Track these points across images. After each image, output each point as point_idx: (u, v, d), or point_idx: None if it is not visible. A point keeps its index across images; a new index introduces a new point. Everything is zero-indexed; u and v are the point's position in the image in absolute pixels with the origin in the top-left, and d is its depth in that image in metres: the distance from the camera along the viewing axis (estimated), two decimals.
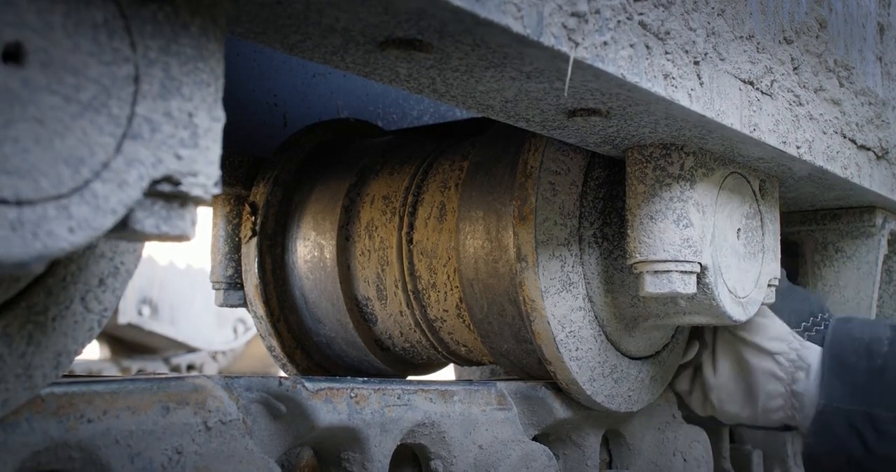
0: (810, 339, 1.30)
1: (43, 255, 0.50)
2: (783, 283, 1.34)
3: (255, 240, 1.45)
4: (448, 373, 1.94)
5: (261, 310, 1.46)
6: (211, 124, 0.58)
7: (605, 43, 0.78)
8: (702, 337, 1.38)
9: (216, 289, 1.53)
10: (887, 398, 1.20)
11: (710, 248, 1.08)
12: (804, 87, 1.13)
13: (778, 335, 1.30)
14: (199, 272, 4.43)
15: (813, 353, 1.28)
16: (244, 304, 1.51)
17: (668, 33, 0.86)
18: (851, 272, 1.53)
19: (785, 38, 1.08)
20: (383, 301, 1.36)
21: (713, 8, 0.94)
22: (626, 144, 1.05)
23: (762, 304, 1.23)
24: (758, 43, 1.02)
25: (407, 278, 1.32)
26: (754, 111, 1.01)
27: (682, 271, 1.05)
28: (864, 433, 1.20)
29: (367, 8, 0.64)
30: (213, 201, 1.53)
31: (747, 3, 1.00)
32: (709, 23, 0.93)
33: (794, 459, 1.74)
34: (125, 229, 0.55)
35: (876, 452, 1.20)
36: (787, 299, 1.32)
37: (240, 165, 1.52)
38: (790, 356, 1.29)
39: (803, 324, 1.31)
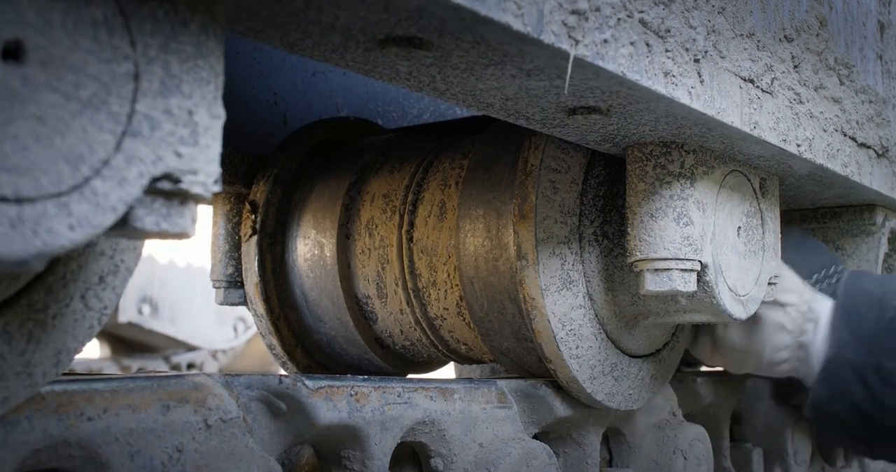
0: (822, 291, 1.31)
1: (43, 252, 0.50)
2: (797, 236, 1.35)
3: (255, 238, 1.45)
4: (448, 371, 1.94)
5: (261, 308, 1.46)
6: (211, 122, 0.58)
7: (606, 41, 0.77)
8: None
9: (216, 287, 1.53)
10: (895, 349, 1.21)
11: (711, 246, 1.08)
12: (804, 85, 1.13)
13: (791, 287, 1.31)
14: (200, 271, 4.43)
15: (823, 305, 1.29)
16: (244, 302, 1.51)
17: (669, 31, 0.86)
18: None
19: (785, 36, 1.08)
20: (383, 299, 1.36)
21: (713, 6, 0.94)
22: (627, 142, 1.05)
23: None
24: (758, 41, 1.02)
25: (407, 277, 1.32)
26: (754, 109, 1.01)
27: (682, 269, 1.05)
28: (871, 383, 1.22)
29: (367, 6, 0.64)
30: (213, 200, 1.53)
31: (748, 1, 1.00)
32: (709, 21, 0.93)
33: (794, 457, 1.74)
34: (125, 227, 0.55)
35: (882, 401, 1.21)
36: (800, 250, 1.34)
37: (240, 164, 1.52)
38: (801, 308, 1.30)
39: (815, 276, 1.32)
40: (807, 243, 1.37)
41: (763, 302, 1.29)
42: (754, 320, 1.32)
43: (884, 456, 1.37)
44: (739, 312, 1.15)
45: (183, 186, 0.56)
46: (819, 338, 1.28)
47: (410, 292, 1.32)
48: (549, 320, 1.12)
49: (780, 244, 1.26)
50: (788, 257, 1.31)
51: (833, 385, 1.26)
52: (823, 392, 1.27)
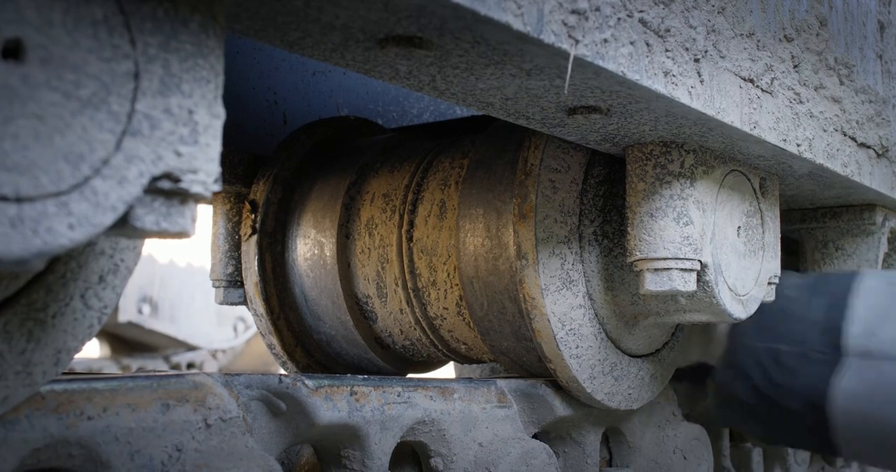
0: None
1: (43, 251, 0.50)
2: None
3: (255, 238, 1.45)
4: (448, 371, 1.94)
5: (261, 308, 1.46)
6: (211, 121, 0.58)
7: (606, 40, 0.77)
8: None
9: (216, 287, 1.53)
10: (789, 335, 1.32)
11: (711, 245, 1.08)
12: (804, 84, 1.13)
13: None
14: (200, 270, 4.43)
15: None
16: (244, 302, 1.51)
17: (669, 31, 0.86)
18: None
19: (785, 36, 1.08)
20: (383, 299, 1.36)
21: (713, 5, 0.94)
22: (627, 141, 1.05)
23: None
24: (758, 41, 1.02)
25: (407, 276, 1.32)
26: (754, 109, 1.01)
27: (682, 269, 1.04)
28: (767, 366, 1.33)
29: (367, 5, 0.64)
30: (213, 199, 1.53)
31: (748, 1, 1.00)
32: (709, 20, 0.93)
33: (794, 457, 1.74)
34: (125, 226, 0.55)
35: (776, 381, 1.32)
36: None
37: (239, 163, 1.52)
38: None
39: None
40: None
41: None
42: None
43: (781, 439, 1.46)
44: (739, 311, 1.15)
45: (183, 185, 0.56)
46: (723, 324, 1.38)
47: (410, 291, 1.32)
48: (548, 320, 1.12)
49: (779, 244, 1.26)
50: None
51: (734, 370, 1.36)
52: (726, 375, 1.38)
